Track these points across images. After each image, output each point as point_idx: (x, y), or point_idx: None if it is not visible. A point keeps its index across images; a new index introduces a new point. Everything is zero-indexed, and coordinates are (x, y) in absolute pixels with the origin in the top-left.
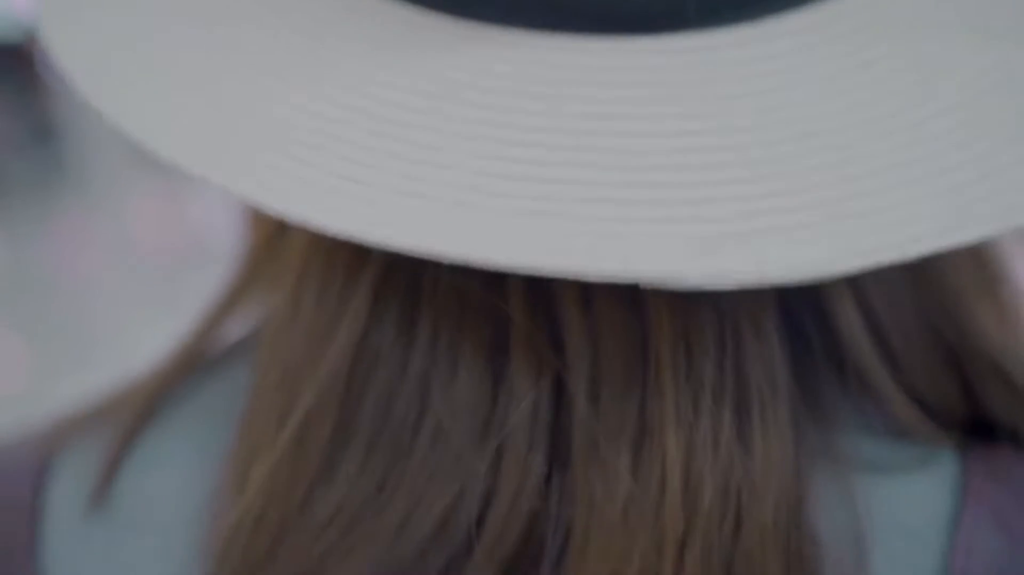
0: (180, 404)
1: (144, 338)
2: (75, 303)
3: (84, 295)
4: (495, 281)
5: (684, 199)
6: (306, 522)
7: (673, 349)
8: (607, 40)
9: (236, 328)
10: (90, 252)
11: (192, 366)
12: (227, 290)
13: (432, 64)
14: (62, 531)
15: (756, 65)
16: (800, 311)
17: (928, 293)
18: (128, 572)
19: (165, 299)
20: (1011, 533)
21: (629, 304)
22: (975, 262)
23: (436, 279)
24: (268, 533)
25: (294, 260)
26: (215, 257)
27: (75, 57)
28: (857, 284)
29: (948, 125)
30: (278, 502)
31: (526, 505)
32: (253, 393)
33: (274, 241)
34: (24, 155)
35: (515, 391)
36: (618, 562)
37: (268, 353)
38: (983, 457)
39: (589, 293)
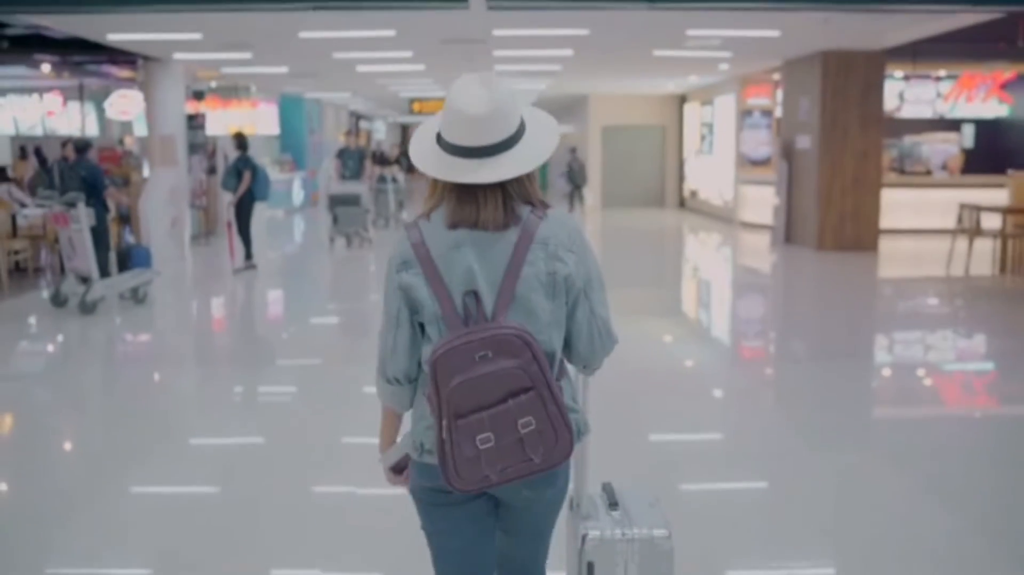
0: (432, 216)
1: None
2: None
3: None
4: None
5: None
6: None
7: (489, 194)
8: (475, 158)
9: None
10: (156, 336)
11: (429, 209)
12: (427, 198)
13: (443, 157)
14: (427, 234)
15: (514, 150)
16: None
17: (526, 184)
18: (438, 236)
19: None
20: (530, 228)
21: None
22: (531, 175)
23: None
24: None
25: (432, 188)
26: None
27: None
28: (519, 180)
29: (536, 144)
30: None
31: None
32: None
33: (432, 186)
34: None
35: (477, 202)
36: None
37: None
38: (534, 211)
39: (475, 187)
